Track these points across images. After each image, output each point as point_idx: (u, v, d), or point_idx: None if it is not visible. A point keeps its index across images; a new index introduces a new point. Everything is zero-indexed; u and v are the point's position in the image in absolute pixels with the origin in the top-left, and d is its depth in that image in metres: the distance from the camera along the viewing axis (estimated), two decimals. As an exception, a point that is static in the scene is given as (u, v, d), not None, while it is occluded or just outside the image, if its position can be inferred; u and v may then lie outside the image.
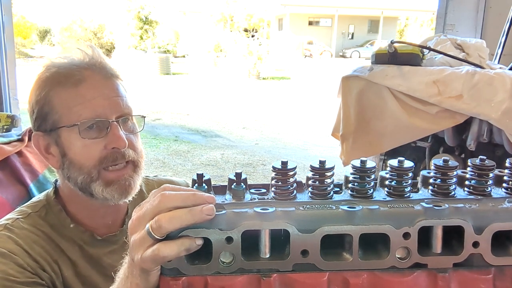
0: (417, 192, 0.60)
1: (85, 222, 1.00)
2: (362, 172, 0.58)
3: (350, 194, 0.58)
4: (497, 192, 0.60)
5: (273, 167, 0.57)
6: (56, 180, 1.03)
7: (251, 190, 0.61)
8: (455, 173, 0.58)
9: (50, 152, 0.97)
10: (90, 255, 0.98)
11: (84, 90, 0.92)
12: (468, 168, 0.60)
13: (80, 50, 0.97)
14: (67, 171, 0.94)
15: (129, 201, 0.99)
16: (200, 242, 0.53)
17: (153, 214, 0.53)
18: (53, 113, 0.93)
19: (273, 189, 0.58)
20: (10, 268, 0.84)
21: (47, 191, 1.04)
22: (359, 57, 25.31)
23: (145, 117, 1.03)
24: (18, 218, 0.94)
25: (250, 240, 0.54)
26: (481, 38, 2.69)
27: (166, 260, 0.54)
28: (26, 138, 1.41)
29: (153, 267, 0.55)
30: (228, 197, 0.59)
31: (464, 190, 0.60)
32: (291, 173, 0.57)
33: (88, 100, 0.92)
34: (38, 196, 1.03)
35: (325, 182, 0.57)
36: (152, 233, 0.52)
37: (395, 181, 0.58)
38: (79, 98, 0.92)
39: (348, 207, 0.55)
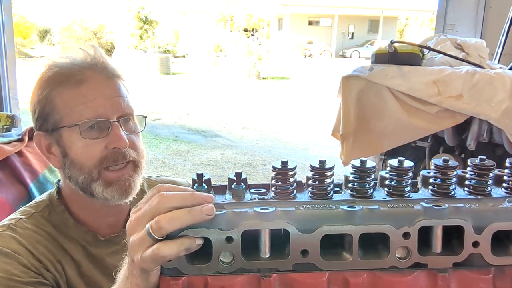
0: (417, 192, 0.60)
1: (88, 222, 1.00)
2: (362, 172, 0.58)
3: (350, 194, 0.58)
4: (497, 192, 0.60)
5: (273, 167, 0.57)
6: (59, 180, 1.03)
7: (251, 190, 0.61)
8: (455, 173, 0.58)
9: (52, 152, 0.97)
10: (93, 255, 0.98)
11: (85, 90, 0.92)
12: (468, 168, 0.60)
13: (82, 50, 0.97)
14: (68, 171, 0.94)
15: (130, 201, 0.99)
16: (200, 242, 0.53)
17: (152, 215, 0.53)
18: (54, 113, 0.93)
19: (273, 189, 0.58)
20: (14, 268, 0.84)
21: (50, 191, 1.04)
22: (359, 57, 25.31)
23: (146, 117, 1.03)
24: (21, 218, 0.94)
25: (250, 240, 0.54)
26: (481, 38, 2.68)
27: (166, 260, 0.53)
28: (26, 138, 1.42)
29: (153, 267, 0.55)
30: (228, 197, 0.59)
31: (464, 190, 0.60)
32: (291, 173, 0.57)
33: (90, 100, 0.92)
34: (41, 196, 1.03)
35: (325, 182, 0.57)
36: (152, 233, 0.52)
37: (395, 181, 0.58)
38: (80, 98, 0.92)
39: (348, 207, 0.55)
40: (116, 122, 0.93)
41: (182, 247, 0.52)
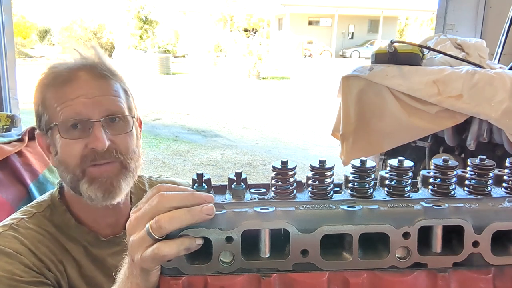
0: (417, 191, 0.60)
1: (89, 222, 1.00)
2: (362, 171, 0.57)
3: (350, 193, 0.58)
4: (497, 191, 0.60)
5: (273, 166, 0.57)
6: (61, 180, 1.04)
7: (251, 190, 0.61)
8: (455, 172, 0.58)
9: (50, 151, 0.98)
10: (94, 255, 0.98)
11: (69, 90, 0.92)
12: (468, 168, 0.60)
13: (76, 51, 0.98)
14: (59, 170, 0.96)
15: (131, 202, 0.99)
16: (200, 241, 0.53)
17: (152, 215, 0.53)
18: (45, 114, 0.95)
19: (273, 188, 0.58)
20: (16, 268, 0.84)
21: (51, 191, 1.04)
22: (359, 57, 25.31)
23: (134, 117, 0.99)
24: (23, 218, 0.95)
25: (250, 240, 0.54)
26: (481, 38, 2.68)
27: (166, 259, 0.53)
28: (26, 138, 1.42)
29: (153, 267, 0.55)
30: (228, 196, 0.59)
31: (464, 190, 0.59)
32: (291, 172, 0.57)
33: (71, 99, 0.92)
34: (42, 196, 1.04)
35: (325, 182, 0.57)
36: (152, 233, 0.52)
37: (395, 181, 0.58)
38: (63, 98, 0.92)
39: (348, 207, 0.55)
40: (97, 122, 0.91)
41: (182, 246, 0.52)
